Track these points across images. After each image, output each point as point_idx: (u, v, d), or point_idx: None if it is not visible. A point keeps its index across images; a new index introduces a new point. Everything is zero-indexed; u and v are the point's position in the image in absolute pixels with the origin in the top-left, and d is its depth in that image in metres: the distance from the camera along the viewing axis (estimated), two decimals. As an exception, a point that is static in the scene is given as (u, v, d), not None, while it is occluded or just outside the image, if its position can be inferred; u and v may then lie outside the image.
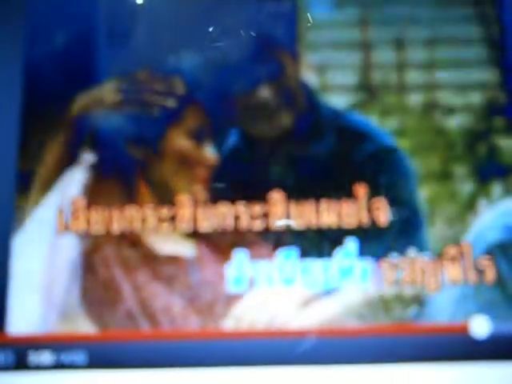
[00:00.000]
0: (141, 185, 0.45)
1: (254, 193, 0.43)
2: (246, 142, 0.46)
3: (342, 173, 0.44)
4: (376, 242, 0.42)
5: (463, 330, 0.41)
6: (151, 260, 0.44)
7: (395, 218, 0.43)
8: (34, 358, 0.41)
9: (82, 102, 0.45)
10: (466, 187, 0.44)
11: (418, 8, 0.46)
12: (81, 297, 0.43)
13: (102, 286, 0.43)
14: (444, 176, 0.44)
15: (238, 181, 0.45)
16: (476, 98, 0.45)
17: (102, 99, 0.45)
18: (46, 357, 0.41)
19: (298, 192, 0.43)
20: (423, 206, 0.44)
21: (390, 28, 0.46)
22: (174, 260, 0.44)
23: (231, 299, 0.42)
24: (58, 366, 0.41)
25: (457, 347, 0.41)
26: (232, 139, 0.46)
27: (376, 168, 0.44)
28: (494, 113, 0.45)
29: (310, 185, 0.44)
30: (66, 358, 0.41)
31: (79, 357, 0.41)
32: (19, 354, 0.41)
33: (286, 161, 0.45)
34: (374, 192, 0.43)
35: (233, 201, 0.43)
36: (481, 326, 0.41)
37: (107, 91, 0.45)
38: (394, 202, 0.43)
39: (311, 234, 0.43)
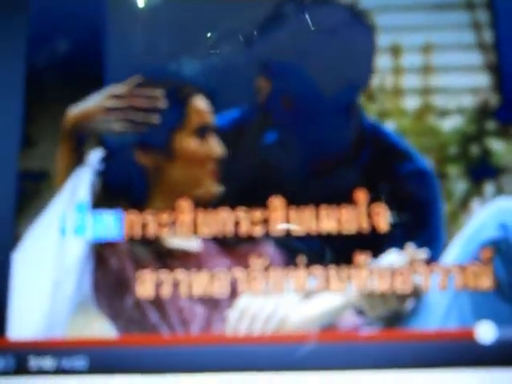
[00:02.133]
0: (153, 190, 0.46)
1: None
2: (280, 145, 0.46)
3: (377, 186, 0.44)
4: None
5: (469, 336, 0.41)
6: (160, 253, 0.44)
7: (417, 238, 0.43)
8: (35, 362, 0.41)
9: (72, 115, 0.46)
10: (459, 187, 0.45)
11: (413, 15, 0.47)
12: (92, 289, 0.43)
13: (112, 278, 0.43)
14: (439, 176, 0.45)
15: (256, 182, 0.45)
16: (469, 102, 0.46)
17: (91, 115, 0.45)
18: (46, 362, 0.41)
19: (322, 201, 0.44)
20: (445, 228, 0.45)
21: (386, 35, 0.47)
22: (181, 253, 0.44)
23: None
24: (59, 371, 0.41)
25: (462, 353, 0.41)
26: (269, 139, 0.46)
27: (410, 187, 0.45)
28: (487, 116, 0.46)
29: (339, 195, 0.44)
30: (67, 363, 0.41)
31: (80, 362, 0.41)
32: (20, 358, 0.41)
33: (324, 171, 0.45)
34: (400, 208, 0.44)
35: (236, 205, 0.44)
36: (486, 332, 0.41)
37: (95, 107, 0.46)
38: (418, 222, 0.44)
39: (314, 239, 0.43)
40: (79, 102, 0.46)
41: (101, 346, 0.41)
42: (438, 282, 0.42)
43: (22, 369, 0.41)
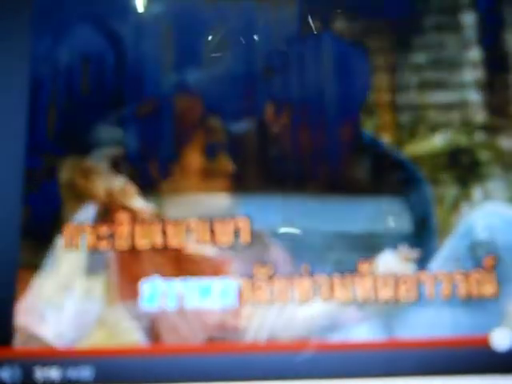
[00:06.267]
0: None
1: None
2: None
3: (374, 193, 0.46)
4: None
5: (483, 343, 0.41)
6: (176, 256, 0.45)
7: (413, 240, 0.45)
8: (41, 373, 0.41)
9: (67, 170, 0.46)
10: (450, 193, 0.48)
11: (408, 37, 0.49)
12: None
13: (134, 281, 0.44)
14: (431, 183, 0.48)
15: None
16: (460, 116, 0.48)
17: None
18: (52, 372, 0.41)
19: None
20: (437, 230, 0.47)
21: (384, 55, 0.49)
22: (196, 257, 0.45)
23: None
24: (65, 381, 0.41)
25: (477, 360, 0.41)
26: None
27: (405, 193, 0.47)
28: (475, 129, 0.48)
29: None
30: (73, 373, 0.41)
31: (86, 372, 0.41)
32: (26, 369, 0.41)
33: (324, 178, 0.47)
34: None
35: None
36: (502, 338, 0.41)
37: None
38: (414, 225, 0.46)
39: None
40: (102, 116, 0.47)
41: (106, 356, 0.42)
42: (442, 290, 0.44)
43: (28, 380, 0.41)
